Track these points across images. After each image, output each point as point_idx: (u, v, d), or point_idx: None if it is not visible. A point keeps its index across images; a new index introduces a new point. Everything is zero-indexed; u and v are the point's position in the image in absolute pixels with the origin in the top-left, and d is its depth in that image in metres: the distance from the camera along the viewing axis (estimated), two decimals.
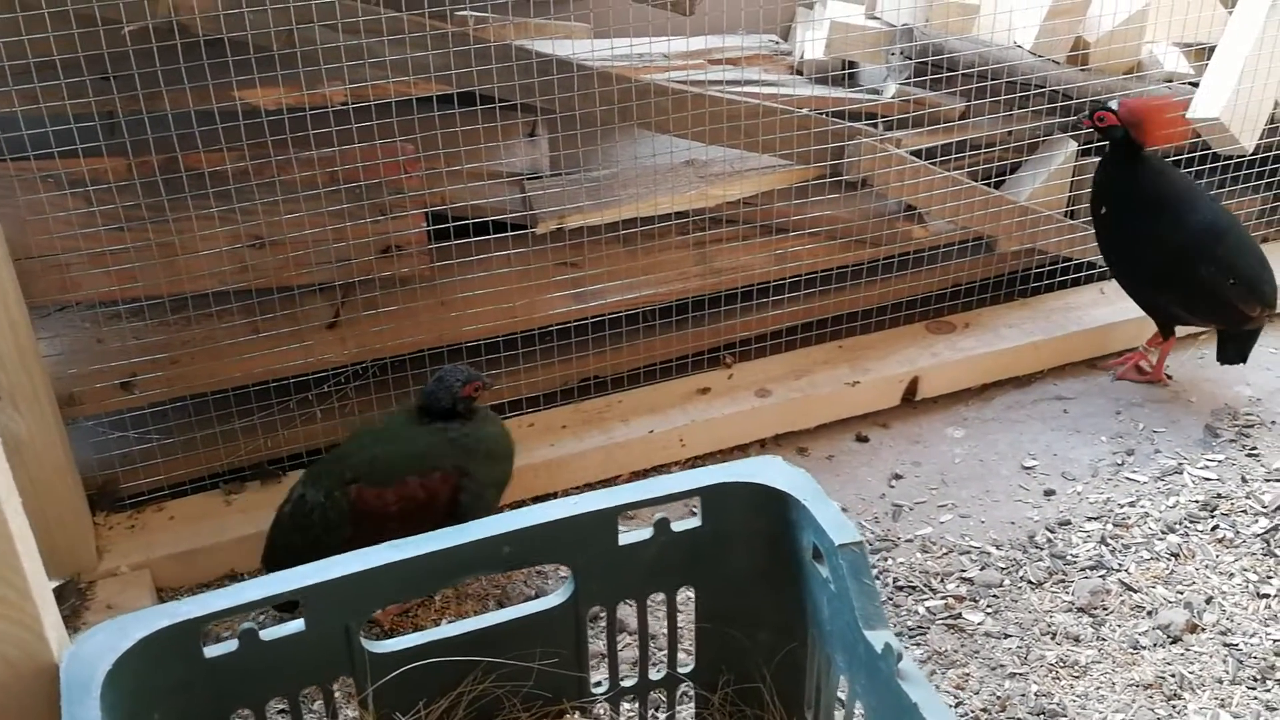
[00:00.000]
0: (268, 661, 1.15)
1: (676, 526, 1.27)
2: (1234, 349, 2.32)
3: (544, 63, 1.91)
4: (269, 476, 2.03)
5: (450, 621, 1.49)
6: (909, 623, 1.83)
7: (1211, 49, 2.53)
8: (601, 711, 1.36)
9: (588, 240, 2.10)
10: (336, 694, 1.21)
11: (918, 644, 1.79)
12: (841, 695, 1.22)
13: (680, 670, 1.37)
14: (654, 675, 1.36)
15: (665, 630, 1.36)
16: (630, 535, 1.26)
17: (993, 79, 2.28)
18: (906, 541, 2.00)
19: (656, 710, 1.44)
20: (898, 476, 2.16)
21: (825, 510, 1.20)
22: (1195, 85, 2.48)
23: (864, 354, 2.34)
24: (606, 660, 1.34)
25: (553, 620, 1.26)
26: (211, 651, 1.12)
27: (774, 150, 2.14)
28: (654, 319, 2.22)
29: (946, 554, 1.97)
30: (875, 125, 2.29)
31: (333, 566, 1.14)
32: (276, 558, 1.71)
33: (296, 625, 1.15)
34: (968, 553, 1.97)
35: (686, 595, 1.34)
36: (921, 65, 2.27)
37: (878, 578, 1.92)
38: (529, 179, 2.08)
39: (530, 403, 2.18)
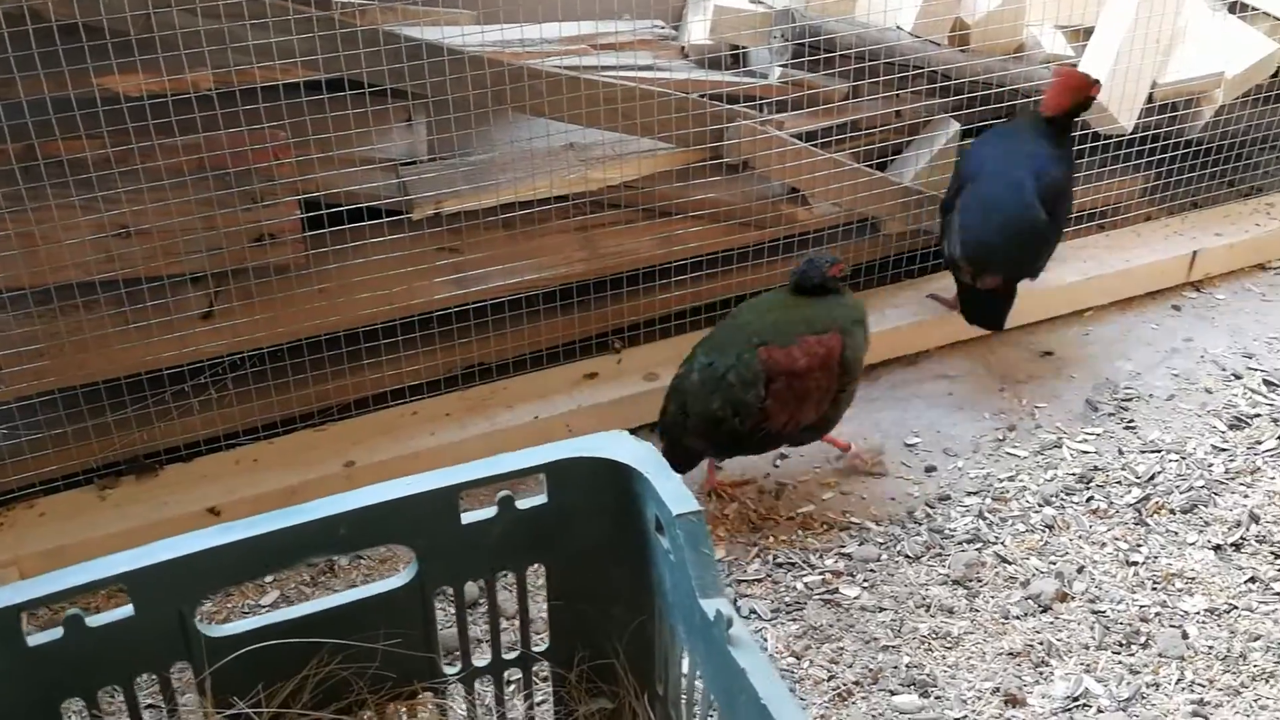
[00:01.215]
0: (96, 649, 1.13)
1: (522, 504, 1.26)
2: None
3: (414, 47, 1.90)
4: (145, 470, 2.00)
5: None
6: (786, 599, 1.84)
7: (1091, 30, 2.57)
8: (456, 692, 1.35)
9: (466, 225, 2.09)
10: (174, 680, 1.19)
11: (794, 619, 1.81)
12: (686, 665, 1.22)
13: (535, 649, 1.36)
14: (508, 654, 1.36)
15: (518, 609, 1.35)
16: (474, 514, 1.25)
17: (873, 60, 2.29)
18: (788, 519, 2.01)
19: (514, 689, 1.44)
20: (783, 456, 2.17)
21: (667, 482, 1.20)
22: (1075, 67, 2.51)
23: None
24: (458, 640, 1.33)
25: (398, 601, 1.25)
26: (35, 639, 1.10)
27: (653, 133, 2.14)
28: (539, 304, 2.22)
29: (827, 530, 1.99)
30: (760, 108, 2.30)
31: (159, 550, 1.12)
32: (684, 422, 1.92)
33: (125, 611, 1.13)
34: (848, 529, 1.99)
35: (537, 573, 1.33)
36: (805, 48, 2.28)
37: (758, 555, 1.93)
38: (405, 164, 2.06)
39: (413, 391, 2.17)
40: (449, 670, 1.33)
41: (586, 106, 2.06)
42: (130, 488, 1.98)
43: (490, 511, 1.25)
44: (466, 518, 1.24)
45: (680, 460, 1.97)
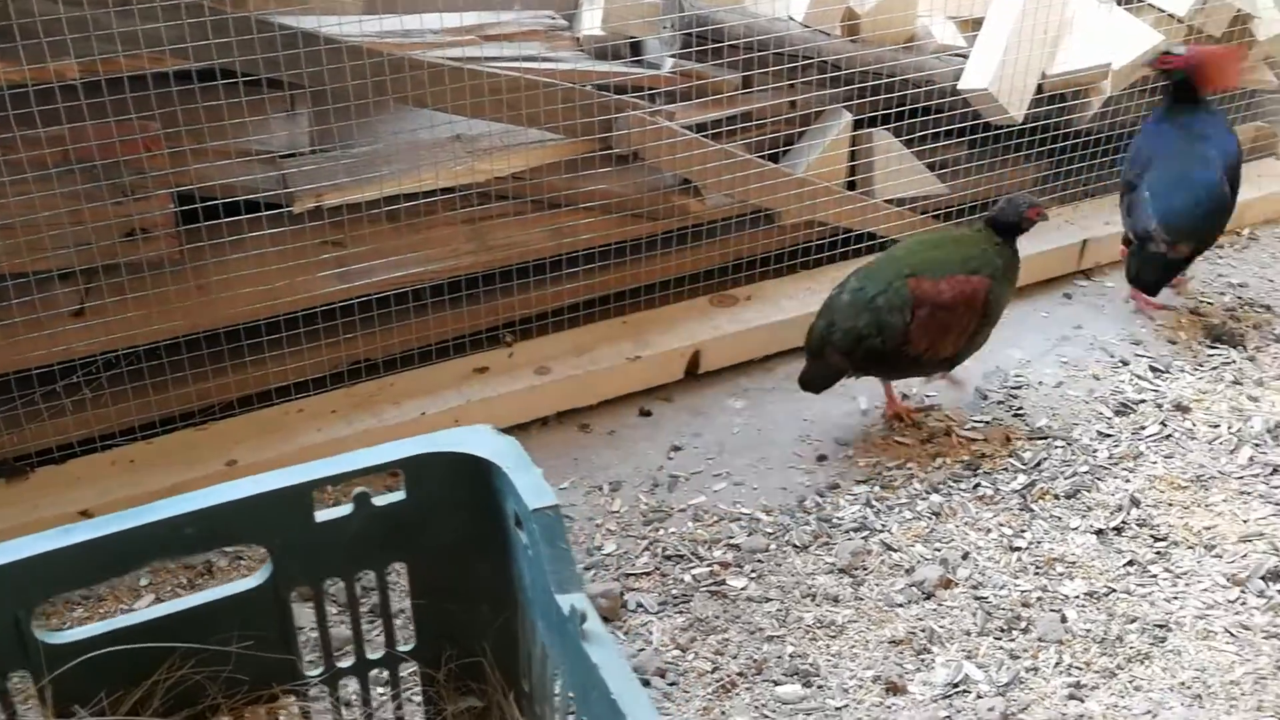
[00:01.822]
0: None
1: (380, 500, 1.24)
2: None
3: (289, 36, 1.86)
4: (15, 473, 1.93)
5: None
6: (674, 591, 1.83)
7: (981, 21, 2.59)
8: (320, 694, 1.32)
9: (349, 218, 2.05)
10: (12, 689, 1.15)
11: (681, 612, 1.80)
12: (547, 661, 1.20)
13: (401, 648, 1.34)
14: (373, 655, 1.33)
15: (381, 608, 1.32)
16: (329, 512, 1.22)
17: (762, 50, 2.29)
18: (680, 512, 2.00)
19: (384, 690, 1.41)
20: (677, 448, 2.16)
21: (525, 476, 1.18)
22: (966, 57, 2.54)
23: (647, 329, 2.34)
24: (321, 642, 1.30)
25: (253, 602, 1.22)
26: None
27: (541, 124, 2.11)
28: (427, 298, 2.18)
29: (717, 522, 1.98)
30: (651, 99, 2.28)
31: None
32: (830, 336, 2.08)
33: None
34: (738, 520, 1.98)
35: (399, 571, 1.31)
36: (699, 38, 2.27)
37: (648, 548, 1.92)
38: (284, 156, 2.02)
39: (299, 388, 2.12)
40: (311, 672, 1.30)
41: (471, 97, 2.04)
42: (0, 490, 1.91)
43: (345, 509, 1.23)
44: (321, 515, 1.21)
45: (818, 377, 2.14)
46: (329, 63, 1.89)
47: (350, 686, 1.37)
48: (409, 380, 2.17)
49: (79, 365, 1.98)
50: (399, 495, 1.24)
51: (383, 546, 1.26)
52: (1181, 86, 2.40)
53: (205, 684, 1.22)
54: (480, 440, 1.24)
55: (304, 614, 1.33)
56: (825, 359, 2.11)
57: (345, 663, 1.32)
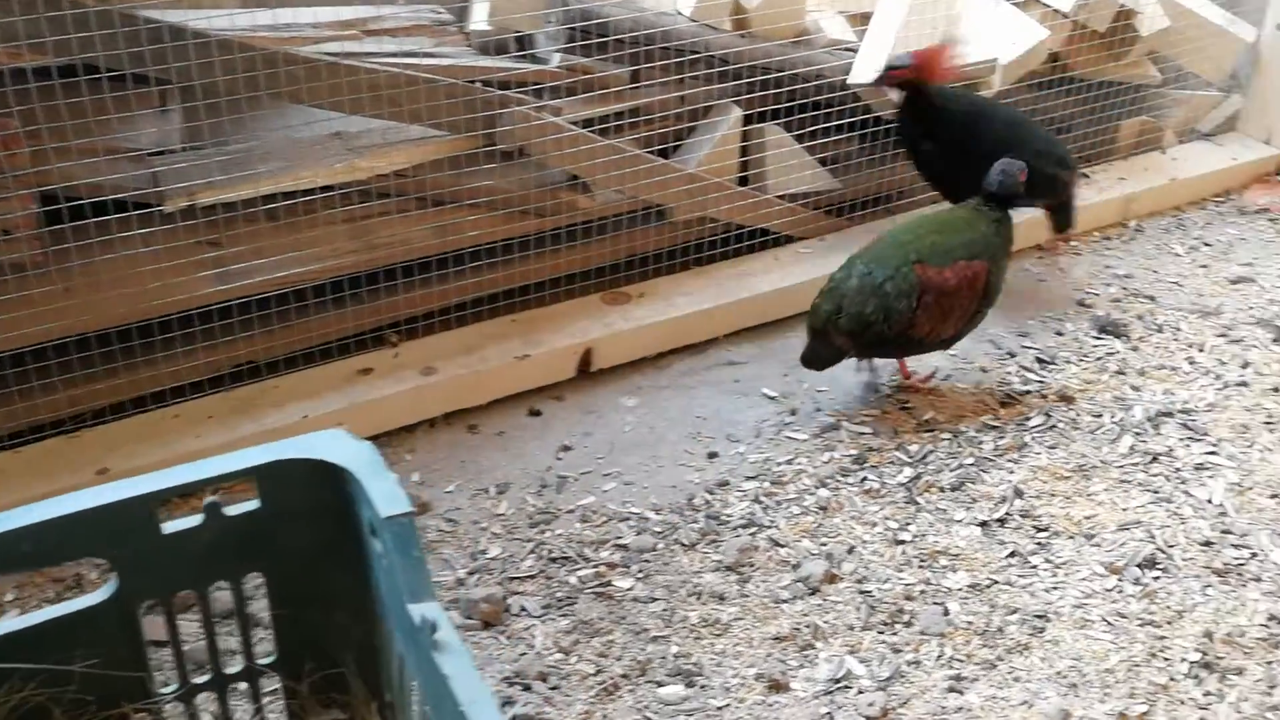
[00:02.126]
0: None
1: (232, 510, 1.20)
2: (1064, 217, 2.59)
3: (155, 30, 1.80)
4: None
5: None
6: (558, 594, 1.81)
7: (870, 15, 2.60)
8: (176, 711, 1.28)
9: (224, 217, 2.00)
10: None
11: (565, 615, 1.78)
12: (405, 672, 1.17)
13: (262, 661, 1.30)
14: (231, 669, 1.29)
15: (238, 620, 1.28)
16: (177, 523, 1.18)
17: (650, 45, 2.27)
18: (568, 513, 1.98)
19: (245, 704, 1.37)
20: (566, 448, 2.14)
21: (379, 483, 1.15)
22: (856, 52, 2.54)
23: (537, 327, 2.31)
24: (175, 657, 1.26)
25: (98, 619, 1.18)
26: None
27: (423, 120, 2.08)
28: (309, 298, 2.13)
29: (606, 522, 1.96)
30: (540, 94, 2.26)
31: None
32: (837, 320, 2.12)
33: None
34: (626, 519, 1.97)
35: (257, 581, 1.27)
36: (586, 33, 2.25)
37: (533, 551, 1.90)
38: (153, 154, 1.96)
39: (176, 393, 2.06)
40: (165, 689, 1.26)
41: (350, 94, 1.99)
42: None
43: (196, 520, 1.19)
44: (169, 527, 1.17)
45: (820, 357, 2.19)
46: (198, 58, 1.84)
47: (212, 703, 1.33)
48: (291, 383, 2.12)
49: None
50: (253, 504, 1.21)
51: (237, 557, 1.23)
52: (915, 92, 2.37)
53: (49, 706, 1.18)
54: (335, 446, 1.21)
55: (160, 628, 1.28)
56: (829, 339, 2.15)
57: (202, 678, 1.28)
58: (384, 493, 1.14)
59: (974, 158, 2.26)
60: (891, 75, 2.33)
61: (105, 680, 1.19)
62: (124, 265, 1.93)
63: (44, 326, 1.90)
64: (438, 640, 1.04)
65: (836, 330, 2.13)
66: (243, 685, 1.31)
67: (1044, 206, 2.55)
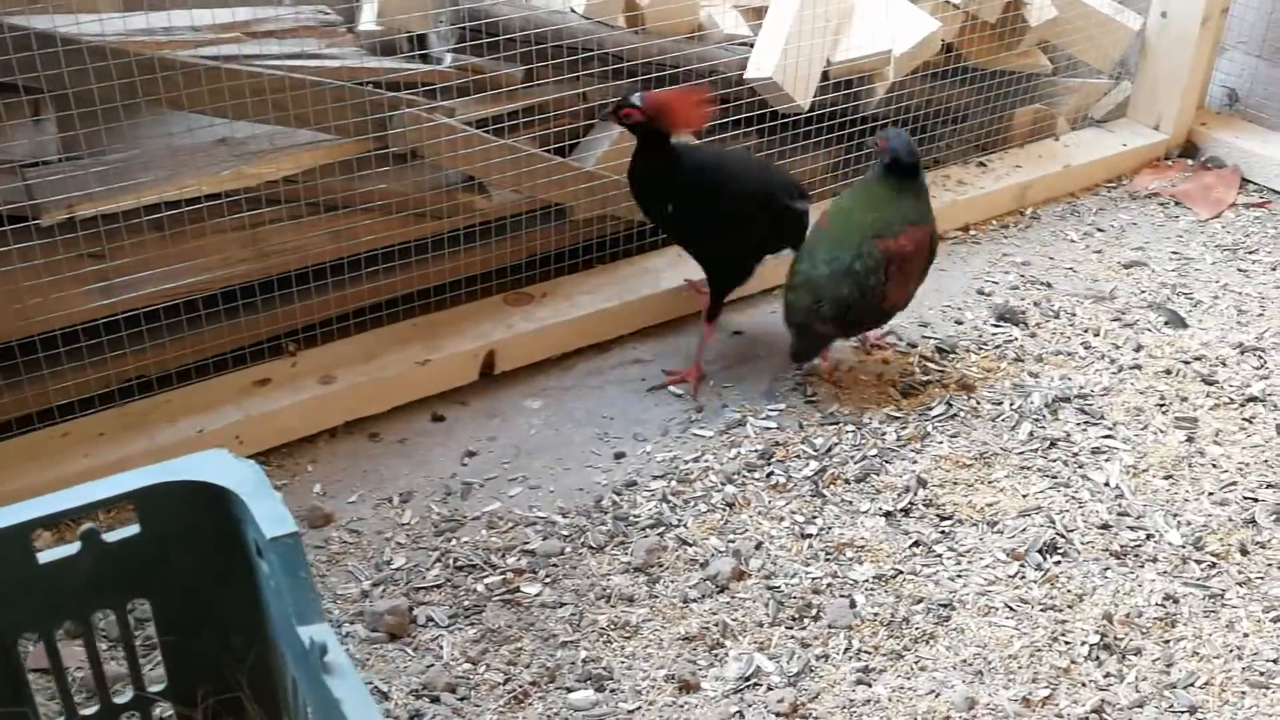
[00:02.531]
0: None
1: (112, 536, 1.16)
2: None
3: (21, 38, 1.73)
4: None
5: None
6: (465, 603, 1.79)
7: (766, 10, 2.60)
8: None
9: (105, 229, 1.93)
10: None
11: (472, 624, 1.75)
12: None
13: (153, 689, 1.26)
14: (120, 699, 1.25)
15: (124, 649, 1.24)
16: (54, 552, 1.14)
17: (540, 43, 2.25)
18: (473, 520, 1.96)
19: None
20: (471, 454, 2.11)
21: (263, 504, 1.12)
22: (752, 46, 2.55)
23: (438, 331, 2.28)
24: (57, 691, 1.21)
25: None
26: None
27: (310, 124, 2.03)
28: (201, 309, 2.07)
29: (512, 528, 1.94)
30: (432, 95, 2.22)
31: None
32: (818, 309, 2.17)
33: None
34: (534, 524, 1.95)
35: (142, 608, 1.23)
36: (478, 32, 2.21)
37: (439, 560, 1.87)
38: (26, 166, 1.89)
39: (64, 410, 1.99)
40: None
41: (233, 98, 1.94)
42: None
43: (73, 548, 1.14)
44: (44, 557, 1.13)
45: (810, 348, 2.27)
46: (69, 65, 1.78)
47: None
48: (185, 397, 2.06)
49: None
50: (134, 529, 1.17)
51: (120, 584, 1.19)
52: (650, 135, 2.15)
53: None
54: (217, 467, 1.17)
55: (43, 660, 1.24)
56: (813, 330, 2.22)
57: (89, 710, 1.24)
58: (269, 513, 1.11)
59: (719, 215, 2.20)
60: (623, 114, 2.13)
61: None
62: (2, 281, 1.86)
63: None
64: (328, 663, 1.01)
65: (820, 319, 2.19)
66: (134, 715, 1.26)
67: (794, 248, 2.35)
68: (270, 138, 2.07)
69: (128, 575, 1.18)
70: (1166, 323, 2.48)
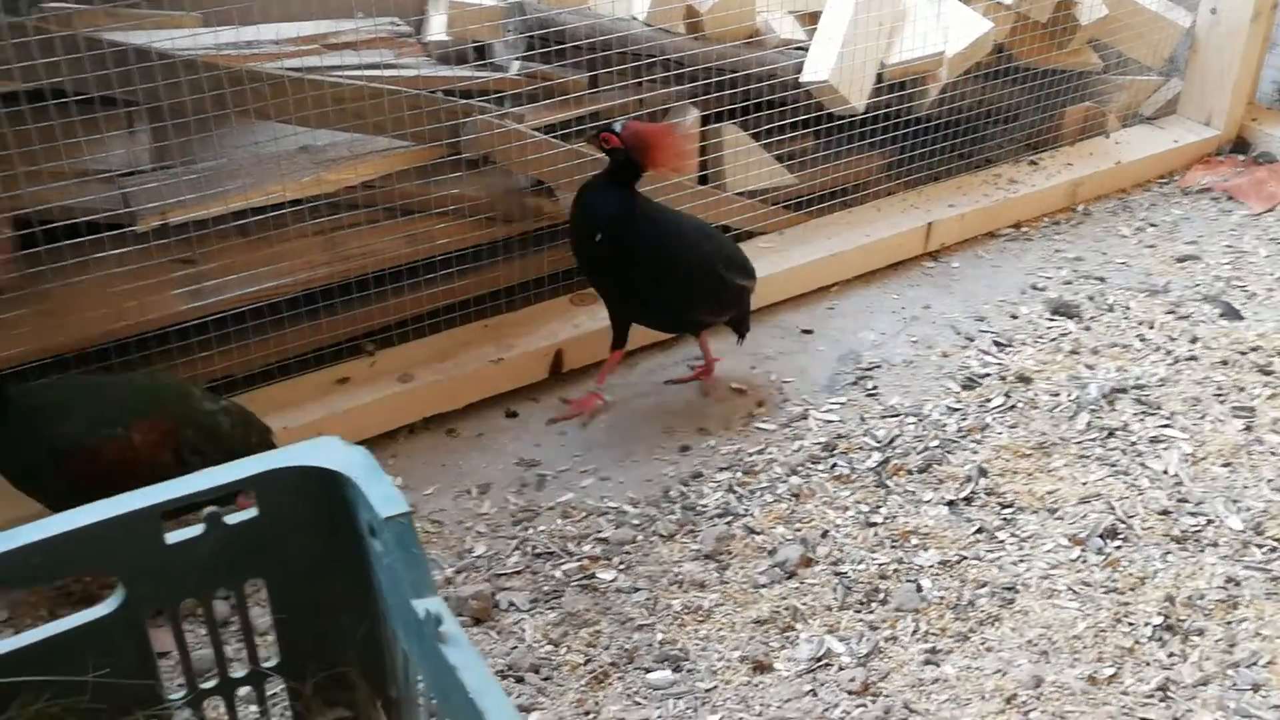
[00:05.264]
0: None
1: (232, 519, 1.23)
2: (745, 325, 2.34)
3: (120, 53, 1.83)
4: None
5: None
6: (544, 588, 1.86)
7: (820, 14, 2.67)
8: (186, 717, 1.31)
9: (196, 235, 2.02)
10: None
11: (552, 608, 1.82)
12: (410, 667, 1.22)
13: (266, 664, 1.34)
14: (236, 673, 1.33)
15: (242, 626, 1.32)
16: (180, 533, 1.22)
17: (606, 50, 2.32)
18: (548, 509, 2.03)
19: (252, 708, 1.41)
20: (543, 448, 2.18)
21: (376, 486, 1.19)
22: (807, 50, 2.61)
23: (509, 331, 2.36)
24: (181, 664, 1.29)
25: (108, 629, 1.21)
26: None
27: (387, 131, 2.12)
28: (284, 311, 2.16)
29: (585, 517, 2.01)
30: (501, 102, 2.30)
31: None
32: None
33: None
34: (606, 514, 2.02)
35: (258, 588, 1.31)
36: (543, 40, 2.29)
37: (518, 547, 1.94)
38: (123, 175, 1.98)
39: None
40: (174, 696, 1.29)
41: (315, 108, 2.03)
42: None
43: (197, 530, 1.22)
44: (172, 538, 1.21)
45: None
46: (164, 78, 1.87)
47: (218, 708, 1.37)
48: (269, 395, 2.15)
49: None
50: (252, 512, 1.25)
51: (239, 565, 1.26)
52: (623, 166, 2.06)
53: (64, 716, 1.21)
54: (330, 453, 1.24)
55: (167, 635, 1.32)
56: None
57: (209, 684, 1.32)
58: (382, 495, 1.18)
59: (640, 260, 2.09)
60: (603, 138, 2.06)
61: (116, 689, 1.22)
62: (99, 286, 1.95)
63: (24, 348, 1.92)
64: (443, 633, 1.08)
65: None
66: (248, 689, 1.34)
67: (727, 320, 2.32)
68: (349, 145, 2.16)
69: (245, 557, 1.25)
70: (1221, 315, 2.52)
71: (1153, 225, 2.91)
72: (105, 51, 1.81)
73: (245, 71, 1.95)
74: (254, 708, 1.39)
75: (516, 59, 2.33)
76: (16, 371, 1.94)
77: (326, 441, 1.27)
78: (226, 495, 1.22)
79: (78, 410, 1.67)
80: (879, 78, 2.68)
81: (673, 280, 2.15)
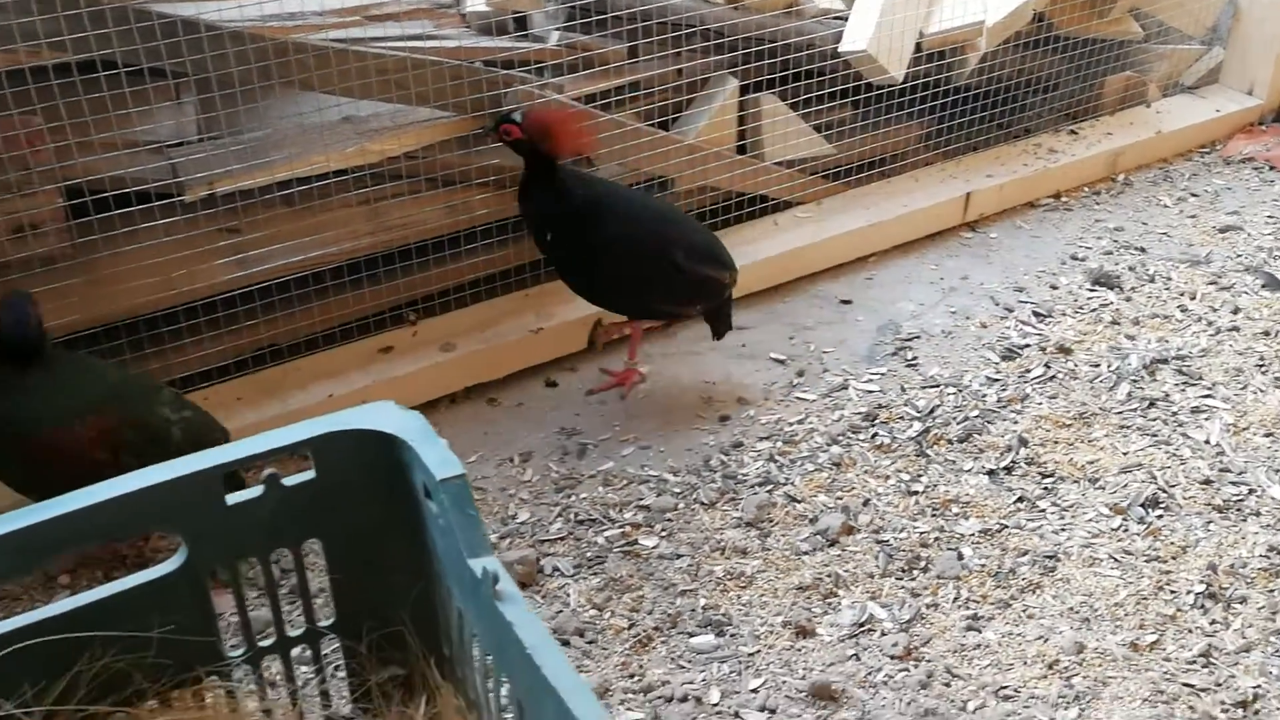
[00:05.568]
0: None
1: (290, 480, 1.26)
2: (722, 322, 2.28)
3: (168, 25, 1.85)
4: None
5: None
6: (588, 554, 1.88)
7: None
8: (244, 674, 1.34)
9: (241, 205, 2.04)
10: None
11: (595, 573, 1.85)
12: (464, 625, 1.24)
13: (321, 623, 1.36)
14: (294, 632, 1.35)
15: (299, 586, 1.35)
16: (240, 494, 1.24)
17: (646, 21, 2.32)
18: (590, 477, 2.05)
19: (308, 666, 1.44)
20: (583, 417, 2.20)
21: (431, 449, 1.22)
22: (846, 20, 2.60)
23: (549, 301, 2.37)
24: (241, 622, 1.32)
25: (170, 587, 1.24)
26: None
27: (429, 102, 2.13)
28: (328, 280, 2.19)
29: (627, 485, 2.03)
30: (540, 72, 2.31)
31: None
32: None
33: None
34: (646, 481, 2.03)
35: (315, 548, 1.33)
36: (583, 10, 2.30)
37: (561, 514, 1.96)
38: (173, 146, 2.01)
39: (203, 377, 2.12)
40: (233, 653, 1.32)
41: (359, 79, 2.04)
42: None
43: (256, 491, 1.25)
44: (232, 499, 1.23)
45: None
46: (211, 49, 1.89)
47: (274, 665, 1.40)
48: (314, 364, 2.18)
49: None
50: (309, 474, 1.27)
51: (296, 525, 1.29)
52: (533, 157, 2.03)
53: (130, 671, 1.24)
54: (385, 416, 1.27)
55: (225, 596, 1.35)
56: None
57: (267, 641, 1.35)
58: (437, 457, 1.20)
59: (594, 254, 2.06)
60: (502, 130, 2.01)
61: (179, 645, 1.25)
62: (148, 255, 1.98)
63: (74, 316, 1.95)
64: (500, 591, 1.11)
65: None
66: (304, 647, 1.37)
67: (700, 313, 2.24)
68: (391, 115, 2.17)
69: (304, 518, 1.28)
70: (1264, 286, 2.50)
71: (1194, 195, 2.89)
72: (154, 23, 1.83)
73: (290, 43, 1.96)
74: (309, 666, 1.42)
75: (556, 29, 2.33)
76: (67, 340, 1.97)
77: (382, 406, 1.29)
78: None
79: (45, 394, 1.66)
80: (918, 47, 2.67)
81: (620, 266, 2.09)
